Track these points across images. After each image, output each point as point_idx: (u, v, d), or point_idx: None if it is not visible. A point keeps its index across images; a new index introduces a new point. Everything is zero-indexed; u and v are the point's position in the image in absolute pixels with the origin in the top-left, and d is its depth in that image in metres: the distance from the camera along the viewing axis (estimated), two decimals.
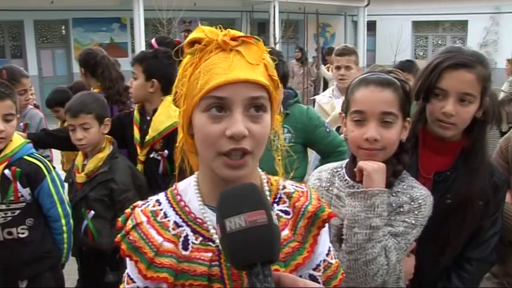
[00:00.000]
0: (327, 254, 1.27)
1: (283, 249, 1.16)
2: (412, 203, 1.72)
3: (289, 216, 1.22)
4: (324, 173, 1.92)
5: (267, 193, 1.23)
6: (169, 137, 3.01)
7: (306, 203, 1.23)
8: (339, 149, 3.06)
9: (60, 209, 2.79)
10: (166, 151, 3.06)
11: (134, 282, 1.19)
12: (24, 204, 2.69)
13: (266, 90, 1.11)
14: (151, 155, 3.12)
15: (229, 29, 1.13)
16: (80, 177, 2.98)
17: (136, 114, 3.23)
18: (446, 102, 1.84)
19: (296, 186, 1.29)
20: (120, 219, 1.24)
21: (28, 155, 2.74)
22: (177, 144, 1.23)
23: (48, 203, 2.77)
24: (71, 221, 2.87)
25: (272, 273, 0.97)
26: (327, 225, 1.26)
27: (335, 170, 1.90)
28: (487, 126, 1.97)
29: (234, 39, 1.10)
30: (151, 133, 3.07)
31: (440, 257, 1.94)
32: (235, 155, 1.08)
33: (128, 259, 1.19)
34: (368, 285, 1.67)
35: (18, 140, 2.76)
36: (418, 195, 1.73)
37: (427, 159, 1.97)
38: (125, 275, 1.23)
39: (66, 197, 2.86)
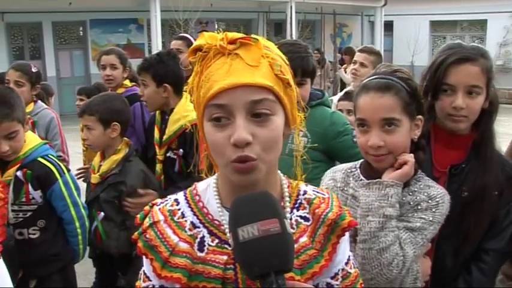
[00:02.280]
0: (346, 263, 1.25)
1: (300, 257, 1.14)
2: (430, 201, 1.74)
3: (308, 223, 1.19)
4: (338, 173, 1.92)
5: (287, 199, 1.20)
6: (185, 136, 3.00)
7: (327, 210, 1.20)
8: None
9: (73, 212, 2.79)
10: (181, 150, 3.04)
11: (150, 280, 1.19)
12: (35, 206, 2.70)
13: (271, 91, 1.06)
14: (168, 154, 3.10)
15: (227, 32, 1.10)
16: (94, 178, 3.00)
17: (157, 115, 3.22)
18: (456, 96, 1.89)
19: (317, 192, 1.26)
20: (138, 215, 1.23)
21: (42, 157, 2.73)
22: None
23: (61, 206, 2.76)
24: (86, 223, 2.86)
25: (286, 283, 0.96)
26: (347, 233, 1.23)
27: (349, 171, 1.91)
28: (494, 116, 2.01)
29: (231, 42, 1.07)
30: (168, 132, 3.06)
31: (461, 250, 1.96)
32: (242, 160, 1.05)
33: (144, 257, 1.19)
34: (384, 277, 1.66)
35: (33, 141, 2.76)
36: (435, 194, 1.75)
37: (441, 153, 2.00)
38: (141, 272, 1.23)
39: (80, 200, 2.84)
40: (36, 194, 2.68)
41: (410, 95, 1.75)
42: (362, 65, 4.34)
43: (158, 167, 3.13)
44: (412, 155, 1.77)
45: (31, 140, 2.75)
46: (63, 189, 2.74)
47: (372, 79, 1.80)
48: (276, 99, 1.08)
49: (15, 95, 2.72)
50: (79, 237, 2.84)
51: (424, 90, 1.97)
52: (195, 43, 1.12)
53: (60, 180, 2.73)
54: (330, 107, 2.88)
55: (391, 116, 1.71)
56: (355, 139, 2.62)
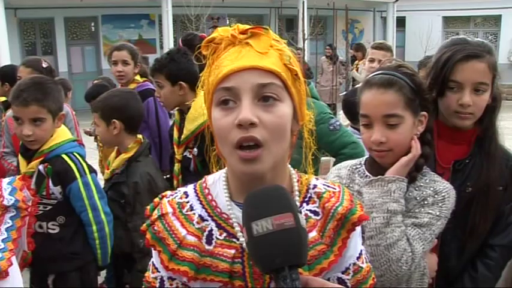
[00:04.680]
0: (358, 258, 1.23)
1: (309, 252, 1.12)
2: (436, 195, 1.75)
3: (318, 217, 1.18)
4: (343, 170, 1.94)
5: (297, 193, 1.19)
6: (201, 135, 2.94)
7: (337, 204, 1.19)
8: (343, 151, 2.91)
9: (91, 215, 2.74)
10: (195, 149, 3.01)
11: (159, 271, 1.19)
12: (55, 201, 2.71)
13: (279, 78, 1.06)
14: (185, 153, 3.09)
15: (239, 24, 1.11)
16: (106, 174, 3.01)
17: (176, 115, 3.20)
18: (462, 93, 1.88)
19: (328, 186, 1.24)
20: (148, 207, 1.23)
21: (66, 154, 2.73)
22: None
23: (79, 206, 2.74)
24: (106, 229, 2.79)
25: (299, 277, 0.96)
26: (358, 228, 1.22)
27: (354, 167, 1.92)
28: (497, 111, 2.01)
29: (242, 32, 1.09)
30: (186, 132, 3.04)
31: (466, 246, 1.96)
32: (246, 146, 1.03)
33: (152, 248, 1.20)
34: (394, 273, 1.66)
35: (61, 136, 2.76)
36: (441, 188, 1.76)
37: (444, 149, 1.99)
38: (150, 263, 1.23)
39: (102, 204, 2.78)
40: (56, 190, 2.69)
41: (414, 91, 1.76)
42: (381, 62, 4.24)
43: (176, 166, 3.11)
44: (418, 148, 1.78)
45: (59, 135, 2.76)
46: (82, 189, 2.71)
47: (375, 75, 1.81)
48: (283, 86, 1.08)
49: (56, 88, 2.75)
50: (96, 241, 2.78)
51: (428, 87, 1.97)
52: (209, 36, 1.13)
53: (79, 180, 2.70)
54: (315, 97, 2.98)
55: (393, 112, 1.72)
56: (331, 127, 2.86)
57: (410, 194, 1.77)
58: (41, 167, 2.67)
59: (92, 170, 2.82)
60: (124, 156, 2.93)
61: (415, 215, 1.74)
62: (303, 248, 0.97)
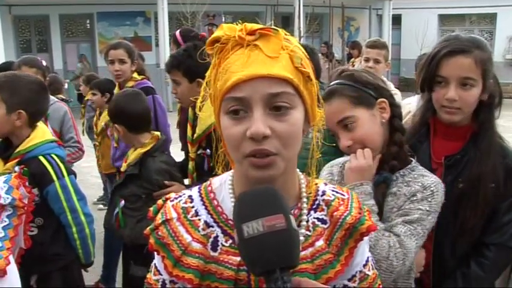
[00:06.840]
0: (364, 265, 1.21)
1: (316, 261, 1.11)
2: (425, 191, 1.76)
3: (325, 226, 1.16)
4: (335, 168, 1.97)
5: (305, 199, 1.17)
6: (213, 135, 2.94)
7: (345, 214, 1.16)
8: None
9: (70, 217, 2.70)
10: (208, 150, 2.97)
11: (161, 274, 1.17)
12: (33, 203, 2.58)
13: (290, 84, 1.02)
14: (199, 152, 3.05)
15: (246, 23, 1.06)
16: (123, 166, 3.07)
17: (190, 111, 3.17)
18: (448, 88, 1.90)
19: (337, 193, 1.22)
20: (151, 209, 1.21)
21: (44, 155, 2.65)
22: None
23: (57, 208, 2.69)
24: (86, 230, 2.77)
25: (292, 279, 0.94)
26: (366, 237, 1.19)
27: (346, 164, 1.92)
28: (494, 108, 2.00)
29: (250, 33, 1.03)
30: (198, 131, 3.00)
31: (457, 241, 1.96)
32: (259, 155, 1.01)
33: (155, 253, 1.17)
34: (388, 271, 1.67)
35: (39, 137, 2.69)
36: (429, 183, 1.78)
37: (439, 145, 2.02)
38: (152, 265, 1.21)
39: (81, 206, 2.75)
40: (33, 192, 2.55)
41: (356, 88, 1.81)
42: (376, 61, 4.20)
43: (190, 164, 3.09)
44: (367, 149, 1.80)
45: (37, 136, 2.68)
46: (60, 192, 2.66)
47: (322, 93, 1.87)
48: (295, 93, 1.04)
49: (27, 87, 2.65)
50: (77, 242, 2.75)
51: (420, 83, 2.01)
52: (214, 34, 1.08)
53: (56, 183, 2.64)
54: None
55: (343, 116, 1.79)
56: None
57: (400, 190, 1.79)
58: (17, 168, 2.57)
59: (71, 172, 2.75)
60: (140, 150, 2.99)
61: (405, 212, 1.74)
62: (294, 250, 0.96)
